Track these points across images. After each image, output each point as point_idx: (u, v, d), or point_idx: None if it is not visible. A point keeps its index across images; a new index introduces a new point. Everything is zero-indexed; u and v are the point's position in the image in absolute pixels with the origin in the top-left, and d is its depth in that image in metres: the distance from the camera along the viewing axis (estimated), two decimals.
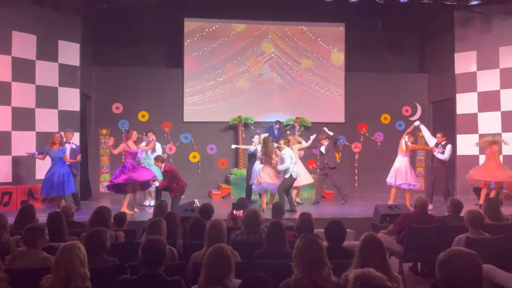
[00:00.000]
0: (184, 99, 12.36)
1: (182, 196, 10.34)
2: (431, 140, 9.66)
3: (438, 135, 9.64)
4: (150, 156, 9.80)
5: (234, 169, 11.94)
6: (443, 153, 9.39)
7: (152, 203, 9.46)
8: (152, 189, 9.60)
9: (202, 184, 11.99)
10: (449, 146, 9.41)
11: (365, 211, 8.79)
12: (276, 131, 11.51)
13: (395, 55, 13.25)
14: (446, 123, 12.20)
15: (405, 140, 9.37)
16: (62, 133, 9.21)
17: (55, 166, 8.60)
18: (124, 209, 8.43)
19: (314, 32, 12.89)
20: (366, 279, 2.27)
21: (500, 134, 10.17)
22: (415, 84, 13.13)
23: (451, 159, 11.22)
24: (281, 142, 9.26)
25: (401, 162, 9.34)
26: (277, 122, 11.64)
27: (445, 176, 9.52)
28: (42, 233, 3.84)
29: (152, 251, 3.24)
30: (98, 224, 4.56)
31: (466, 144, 11.35)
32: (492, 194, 9.07)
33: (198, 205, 7.95)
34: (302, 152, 10.48)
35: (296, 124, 12.34)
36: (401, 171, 9.25)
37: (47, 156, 8.71)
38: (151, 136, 9.86)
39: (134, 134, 9.11)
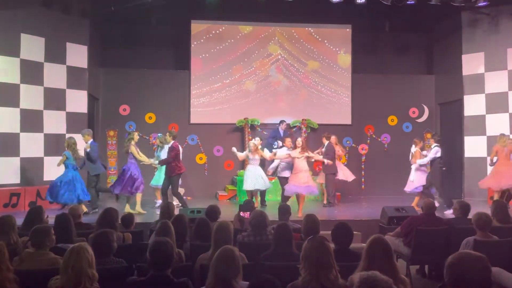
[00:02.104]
0: (191, 101, 12.40)
1: (189, 198, 10.38)
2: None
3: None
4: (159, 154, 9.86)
5: (241, 170, 11.94)
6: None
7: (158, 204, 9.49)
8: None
9: (208, 185, 12.01)
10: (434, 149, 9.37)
11: (372, 213, 8.77)
12: (282, 132, 11.51)
13: (402, 56, 13.21)
14: (454, 125, 12.14)
15: (415, 150, 9.56)
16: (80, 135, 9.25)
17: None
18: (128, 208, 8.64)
19: (321, 33, 12.88)
20: (372, 282, 2.26)
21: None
22: (423, 85, 13.08)
23: (459, 161, 11.17)
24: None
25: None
26: (282, 121, 11.63)
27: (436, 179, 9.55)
28: (48, 234, 3.87)
29: (160, 252, 3.26)
30: (106, 225, 4.58)
31: (474, 146, 11.29)
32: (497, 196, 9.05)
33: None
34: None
35: (302, 126, 12.33)
36: None
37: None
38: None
39: (136, 136, 9.26)
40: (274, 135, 11.49)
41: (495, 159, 9.48)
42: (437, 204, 8.87)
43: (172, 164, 8.83)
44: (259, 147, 9.87)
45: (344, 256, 3.77)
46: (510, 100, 10.91)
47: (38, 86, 9.99)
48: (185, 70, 12.49)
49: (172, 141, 9.05)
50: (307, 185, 8.69)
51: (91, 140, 9.17)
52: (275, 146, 11.02)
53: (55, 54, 10.25)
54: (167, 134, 9.38)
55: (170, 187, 8.83)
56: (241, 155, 9.82)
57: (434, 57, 13.22)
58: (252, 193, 9.56)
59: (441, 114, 12.97)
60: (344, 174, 10.52)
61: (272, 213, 6.41)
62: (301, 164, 8.80)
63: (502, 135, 9.62)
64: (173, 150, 8.89)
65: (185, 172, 9.43)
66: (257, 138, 10.26)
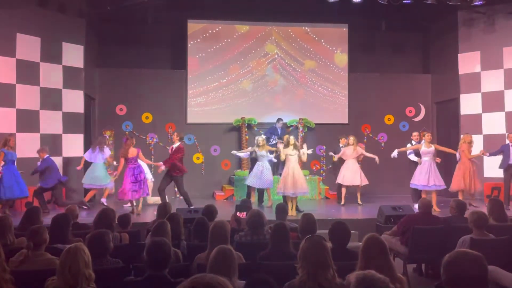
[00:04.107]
0: (188, 101, 12.38)
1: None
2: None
3: (414, 133, 10.17)
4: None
5: (238, 170, 11.95)
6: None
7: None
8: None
9: (205, 185, 12.00)
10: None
11: (369, 212, 8.79)
12: (279, 130, 11.53)
13: (398, 55, 13.23)
14: (450, 123, 12.17)
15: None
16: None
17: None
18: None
19: (317, 33, 12.89)
20: (369, 281, 2.26)
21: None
22: (419, 84, 13.11)
23: (455, 159, 11.18)
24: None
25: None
26: (279, 120, 11.64)
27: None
28: (44, 234, 3.86)
29: (157, 252, 3.25)
30: (103, 225, 4.57)
31: None
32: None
33: None
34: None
35: (299, 125, 12.33)
36: None
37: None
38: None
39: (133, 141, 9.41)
40: (271, 132, 11.56)
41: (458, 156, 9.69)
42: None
43: (177, 164, 9.01)
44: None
45: (341, 255, 3.78)
46: (506, 99, 10.94)
47: (34, 86, 9.96)
48: (181, 69, 12.47)
49: (179, 142, 9.23)
50: (296, 189, 8.61)
51: (46, 155, 9.27)
52: (271, 142, 11.06)
53: (51, 54, 10.21)
54: (175, 134, 9.46)
55: (175, 187, 9.06)
56: (245, 152, 9.88)
57: (430, 56, 13.24)
58: (251, 189, 9.66)
59: (437, 113, 12.99)
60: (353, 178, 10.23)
61: (269, 212, 6.41)
62: (291, 165, 8.72)
63: (466, 134, 9.77)
64: (179, 151, 9.10)
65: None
66: (262, 135, 10.31)
